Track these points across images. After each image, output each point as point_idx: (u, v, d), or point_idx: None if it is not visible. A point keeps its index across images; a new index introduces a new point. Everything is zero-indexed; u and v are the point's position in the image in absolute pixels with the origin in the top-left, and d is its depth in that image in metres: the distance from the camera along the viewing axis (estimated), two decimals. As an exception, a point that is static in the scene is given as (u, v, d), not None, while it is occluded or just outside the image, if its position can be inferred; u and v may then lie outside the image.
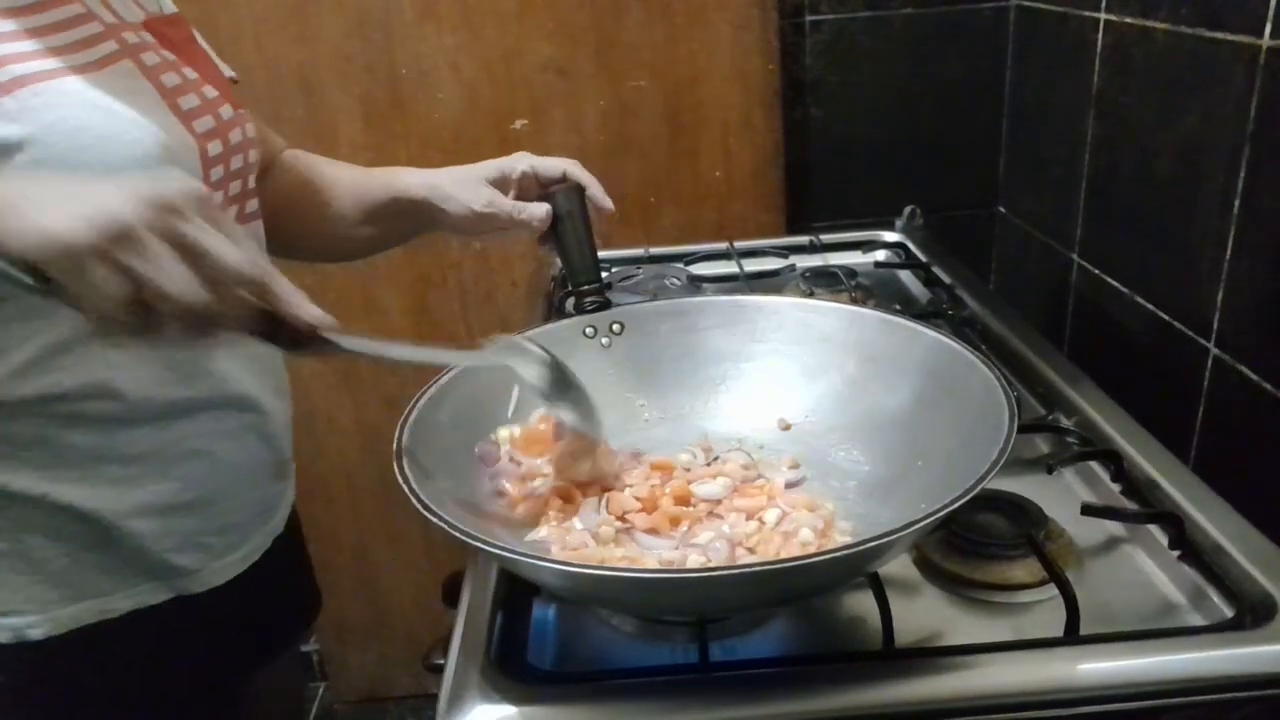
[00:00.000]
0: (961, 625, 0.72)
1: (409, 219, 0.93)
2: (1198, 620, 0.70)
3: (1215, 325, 1.08)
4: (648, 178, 1.63)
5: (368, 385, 1.72)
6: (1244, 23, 0.99)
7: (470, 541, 0.58)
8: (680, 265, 1.38)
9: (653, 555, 0.69)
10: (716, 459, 0.80)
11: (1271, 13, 0.95)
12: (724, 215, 1.65)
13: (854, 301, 1.18)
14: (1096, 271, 1.35)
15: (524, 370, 0.74)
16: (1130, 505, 0.81)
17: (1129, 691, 0.62)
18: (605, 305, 0.89)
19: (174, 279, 0.51)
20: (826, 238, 1.46)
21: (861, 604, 0.71)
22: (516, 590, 0.73)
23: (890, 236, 1.45)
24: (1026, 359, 1.05)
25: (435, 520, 0.59)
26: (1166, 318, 1.18)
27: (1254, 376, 1.02)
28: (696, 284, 1.32)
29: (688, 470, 0.78)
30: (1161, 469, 0.82)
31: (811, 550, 0.66)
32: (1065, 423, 0.95)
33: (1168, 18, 1.12)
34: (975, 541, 0.76)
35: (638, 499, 0.73)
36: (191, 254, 0.52)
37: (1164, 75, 1.14)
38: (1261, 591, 0.68)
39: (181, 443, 0.75)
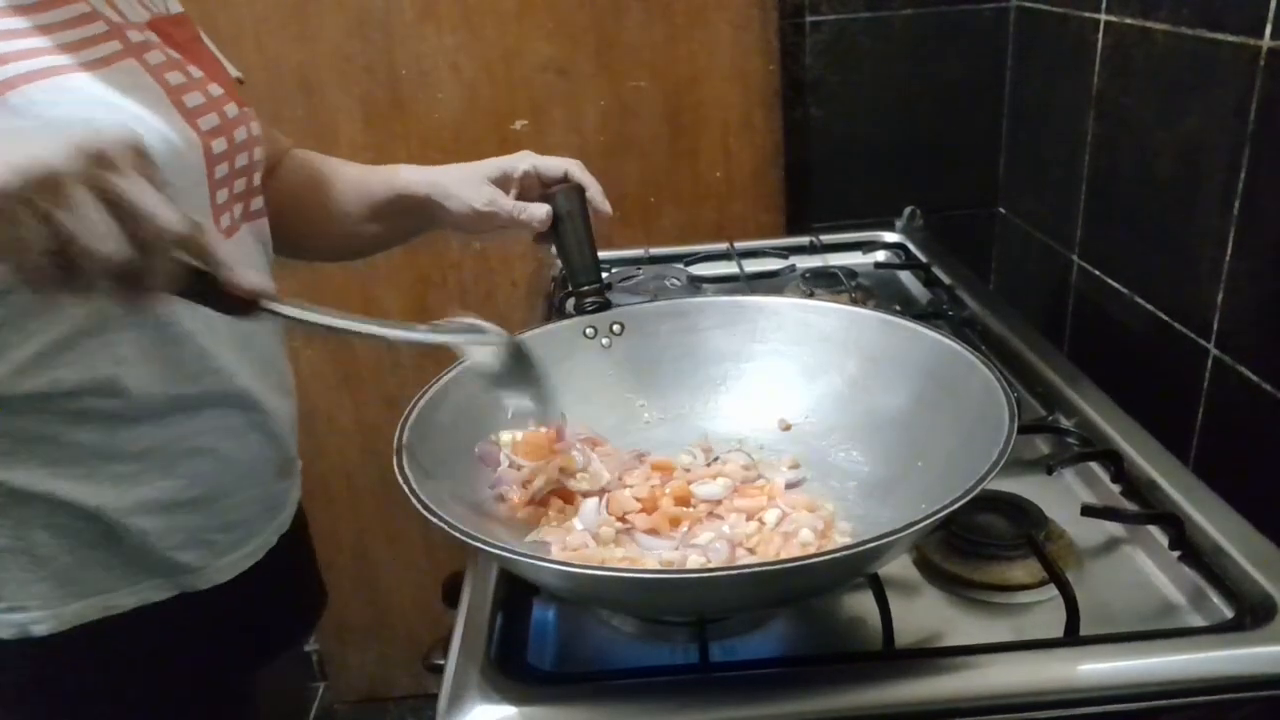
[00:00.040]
0: (961, 626, 0.72)
1: (411, 217, 0.93)
2: (1198, 621, 0.70)
3: (1215, 325, 1.08)
4: (648, 178, 1.63)
5: (368, 385, 1.72)
6: (1244, 23, 0.99)
7: (470, 541, 0.58)
8: (680, 266, 1.38)
9: (653, 556, 0.69)
10: (716, 459, 0.80)
11: (1271, 13, 0.95)
12: (724, 215, 1.65)
13: (854, 302, 1.18)
14: (1096, 272, 1.35)
15: (472, 352, 0.72)
16: (1130, 506, 0.81)
17: (1129, 692, 0.62)
18: (605, 306, 0.89)
19: (97, 233, 0.50)
20: (826, 238, 1.46)
21: (861, 604, 0.71)
22: (516, 590, 0.73)
23: (890, 237, 1.45)
24: (1026, 359, 1.05)
25: (435, 520, 0.59)
26: (1166, 318, 1.18)
27: (1254, 377, 1.02)
28: (696, 284, 1.32)
29: (688, 471, 0.78)
30: (1161, 469, 0.82)
31: (811, 551, 0.67)
32: (1065, 423, 0.95)
33: (1168, 18, 1.12)
34: (975, 542, 0.76)
35: (638, 499, 0.73)
36: (120, 209, 0.50)
37: (1164, 76, 1.14)
38: (1261, 592, 0.68)
39: (184, 440, 0.75)
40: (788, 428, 0.84)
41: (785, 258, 1.40)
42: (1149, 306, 1.22)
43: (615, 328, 0.89)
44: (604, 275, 0.96)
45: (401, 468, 0.65)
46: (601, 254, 0.90)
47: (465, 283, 1.69)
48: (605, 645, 0.72)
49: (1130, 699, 0.62)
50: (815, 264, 1.38)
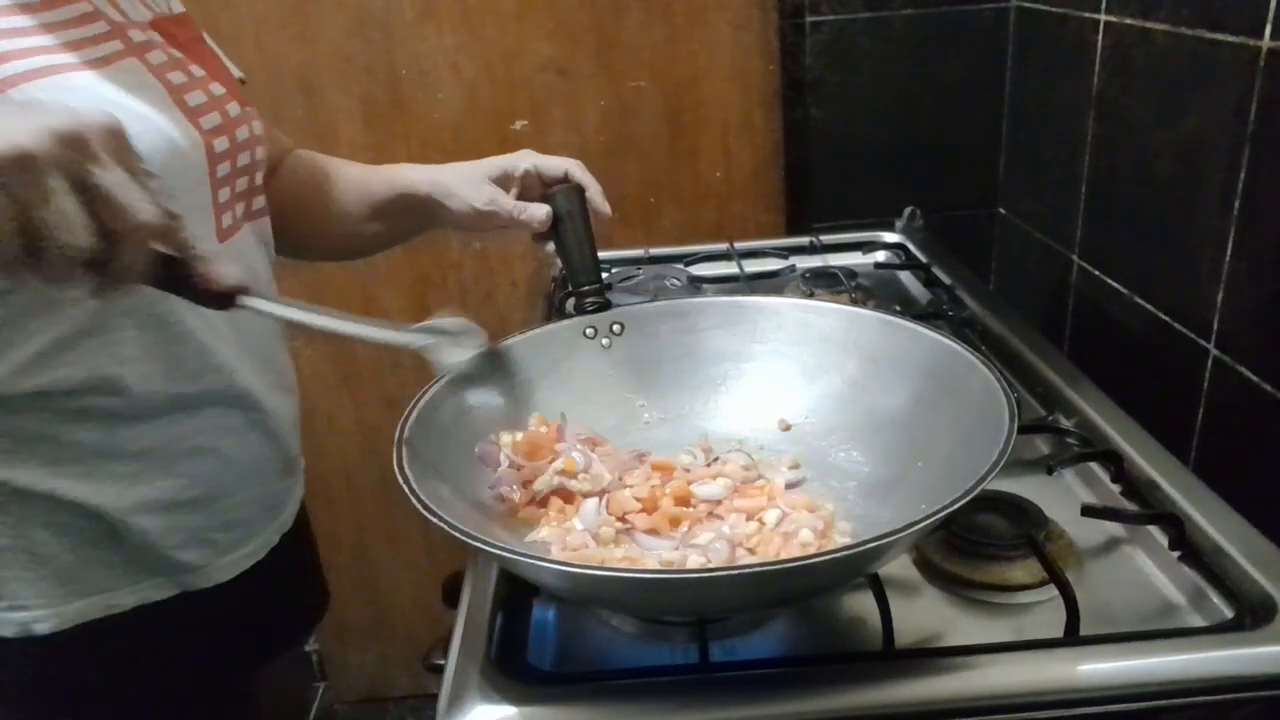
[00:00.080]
0: (961, 626, 0.72)
1: (413, 216, 0.94)
2: (1198, 621, 0.70)
3: (1215, 325, 1.08)
4: (648, 178, 1.63)
5: (368, 385, 1.72)
6: (1244, 23, 0.99)
7: (470, 541, 0.58)
8: (680, 266, 1.39)
9: (653, 556, 0.69)
10: (716, 459, 0.80)
11: (1271, 13, 0.95)
12: (724, 215, 1.65)
13: (854, 302, 1.18)
14: (1096, 272, 1.35)
15: (443, 355, 0.72)
16: (1130, 506, 0.81)
17: (1129, 692, 0.62)
18: (605, 306, 0.89)
19: (68, 223, 0.49)
20: (826, 238, 1.46)
21: (861, 604, 0.71)
22: (516, 590, 0.73)
23: (890, 237, 1.45)
24: (1026, 359, 1.05)
25: (435, 520, 0.59)
26: (1166, 318, 1.18)
27: (1254, 377, 1.02)
28: (696, 284, 1.32)
29: (688, 471, 0.78)
30: (1161, 469, 0.82)
31: (811, 551, 0.66)
32: (1065, 423, 0.95)
33: (1168, 19, 1.12)
34: (975, 542, 0.76)
35: (638, 499, 0.73)
36: (95, 198, 0.50)
37: (1164, 76, 1.14)
38: (1261, 592, 0.68)
39: (185, 439, 0.75)
40: (788, 428, 0.84)
41: (785, 258, 1.40)
42: (1149, 306, 1.22)
43: (615, 328, 0.89)
44: (604, 275, 0.96)
45: (401, 467, 0.65)
46: (601, 254, 0.90)
47: (465, 283, 1.69)
48: (605, 645, 0.73)
49: (1130, 699, 0.62)
50: (815, 264, 1.38)
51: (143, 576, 0.76)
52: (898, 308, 1.21)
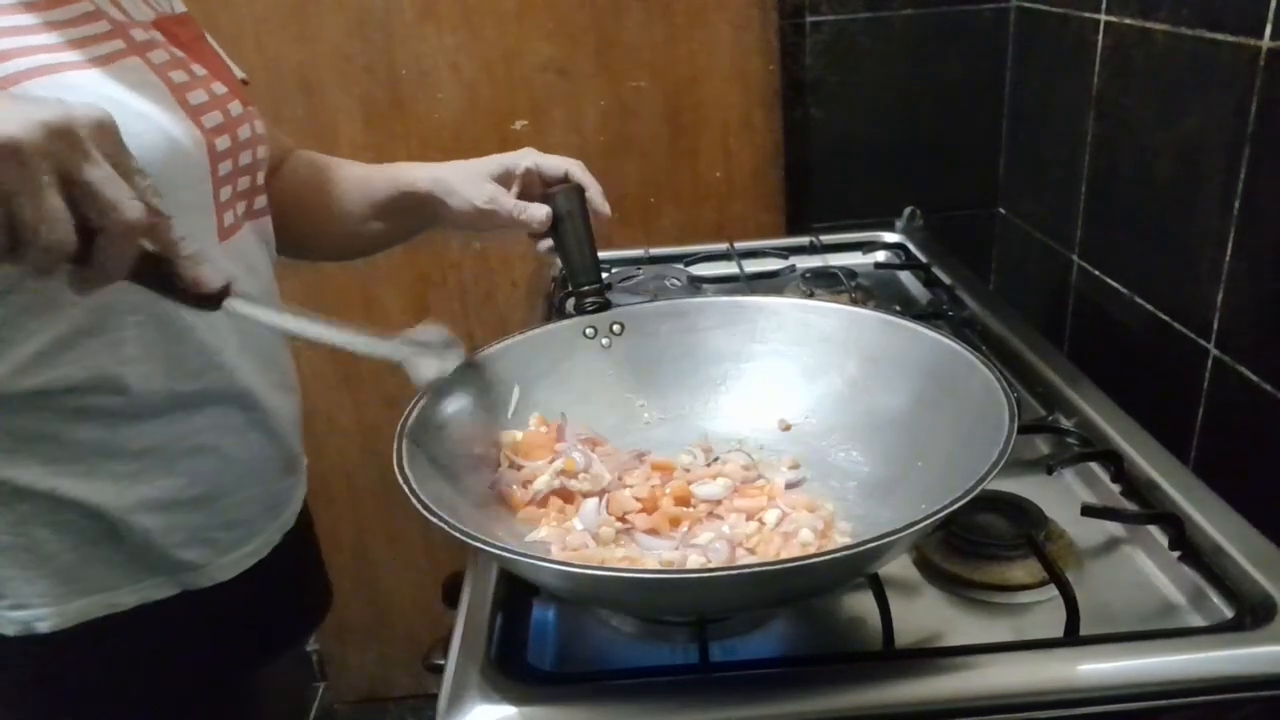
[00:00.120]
0: (961, 625, 0.72)
1: (414, 214, 0.94)
2: (1198, 621, 0.70)
3: (1215, 325, 1.08)
4: (648, 178, 1.63)
5: (368, 385, 1.72)
6: (1244, 23, 0.99)
7: (470, 541, 0.58)
8: (680, 266, 1.38)
9: (653, 556, 0.69)
10: (716, 459, 0.80)
11: (1271, 13, 0.95)
12: (724, 215, 1.65)
13: (854, 302, 1.18)
14: (1096, 272, 1.35)
15: (421, 368, 0.72)
16: (1130, 506, 0.81)
17: (1129, 692, 0.62)
18: (605, 306, 0.89)
19: (50, 218, 0.49)
20: (826, 238, 1.46)
21: (861, 604, 0.71)
22: (516, 590, 0.73)
23: (890, 237, 1.45)
24: (1026, 359, 1.05)
25: (435, 520, 0.59)
26: (1166, 318, 1.18)
27: (1254, 377, 1.02)
28: (696, 284, 1.32)
29: (688, 471, 0.78)
30: (1161, 469, 0.82)
31: (811, 551, 0.66)
32: (1065, 423, 0.95)
33: (1168, 19, 1.12)
34: (975, 542, 0.76)
35: (638, 499, 0.73)
36: (81, 193, 0.50)
37: (1164, 76, 1.14)
38: (1261, 592, 0.68)
39: (186, 438, 0.75)
40: (788, 428, 0.84)
41: (785, 258, 1.40)
42: (1149, 306, 1.22)
43: (615, 328, 0.89)
44: (604, 275, 0.96)
45: (401, 467, 0.65)
46: (601, 254, 0.90)
47: (465, 283, 1.69)
48: (605, 645, 0.73)
49: (1130, 699, 0.62)
50: (815, 264, 1.38)
51: (144, 575, 0.76)
52: (898, 308, 1.21)
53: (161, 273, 0.56)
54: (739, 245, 1.41)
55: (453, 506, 0.64)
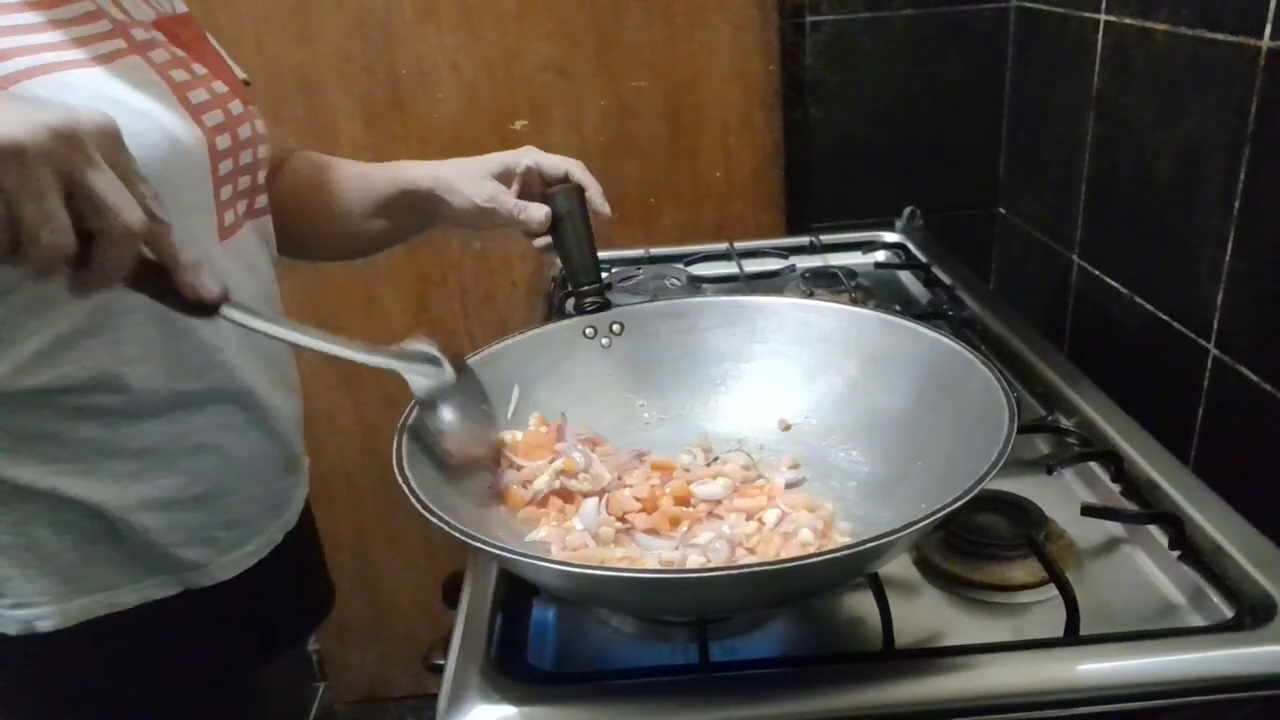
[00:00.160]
0: (961, 625, 0.72)
1: (415, 211, 0.94)
2: (1198, 620, 0.70)
3: (1215, 325, 1.08)
4: (648, 178, 1.63)
5: (368, 385, 1.72)
6: (1244, 23, 0.99)
7: (470, 541, 0.58)
8: (680, 265, 1.38)
9: (653, 555, 0.69)
10: (716, 459, 0.80)
11: (1271, 13, 0.95)
12: (724, 215, 1.65)
13: (854, 302, 1.18)
14: (1096, 271, 1.35)
15: (411, 379, 0.73)
16: (1130, 506, 0.81)
17: (1129, 692, 0.62)
18: (605, 306, 0.89)
19: (50, 222, 0.49)
20: (826, 238, 1.46)
21: (861, 604, 0.71)
22: (516, 590, 0.73)
23: (890, 237, 1.45)
24: (1026, 359, 1.05)
25: (435, 520, 0.59)
26: (1166, 318, 1.18)
27: (1254, 376, 1.02)
28: (696, 284, 1.32)
29: (688, 471, 0.78)
30: (1161, 469, 0.82)
31: (811, 551, 0.66)
32: (1065, 423, 0.95)
33: (1168, 18, 1.12)
34: (975, 542, 0.76)
35: (638, 499, 0.73)
36: (82, 198, 0.50)
37: (1164, 76, 1.14)
38: (1261, 591, 0.68)
39: (187, 437, 0.75)
40: (788, 428, 0.84)
41: (785, 258, 1.40)
42: (1149, 306, 1.22)
43: (615, 328, 0.89)
44: (604, 275, 0.96)
45: (401, 467, 0.65)
46: (601, 254, 0.90)
47: (465, 282, 1.69)
48: (605, 645, 0.72)
49: (1130, 699, 0.62)
50: (815, 264, 1.38)
51: (145, 574, 0.76)
52: (898, 307, 1.21)
53: (159, 279, 0.56)
54: (739, 245, 1.41)
55: (453, 506, 0.64)
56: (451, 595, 0.76)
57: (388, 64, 1.55)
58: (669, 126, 1.61)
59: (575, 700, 0.63)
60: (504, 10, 1.52)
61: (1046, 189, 1.52)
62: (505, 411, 0.81)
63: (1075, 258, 1.41)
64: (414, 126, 1.58)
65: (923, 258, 1.36)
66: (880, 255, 1.43)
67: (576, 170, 0.90)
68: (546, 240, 0.90)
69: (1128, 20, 1.21)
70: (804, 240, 1.46)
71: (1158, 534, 0.77)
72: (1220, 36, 1.03)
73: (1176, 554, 0.75)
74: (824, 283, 1.27)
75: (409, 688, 1.97)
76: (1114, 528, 0.81)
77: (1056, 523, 0.80)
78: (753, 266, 1.36)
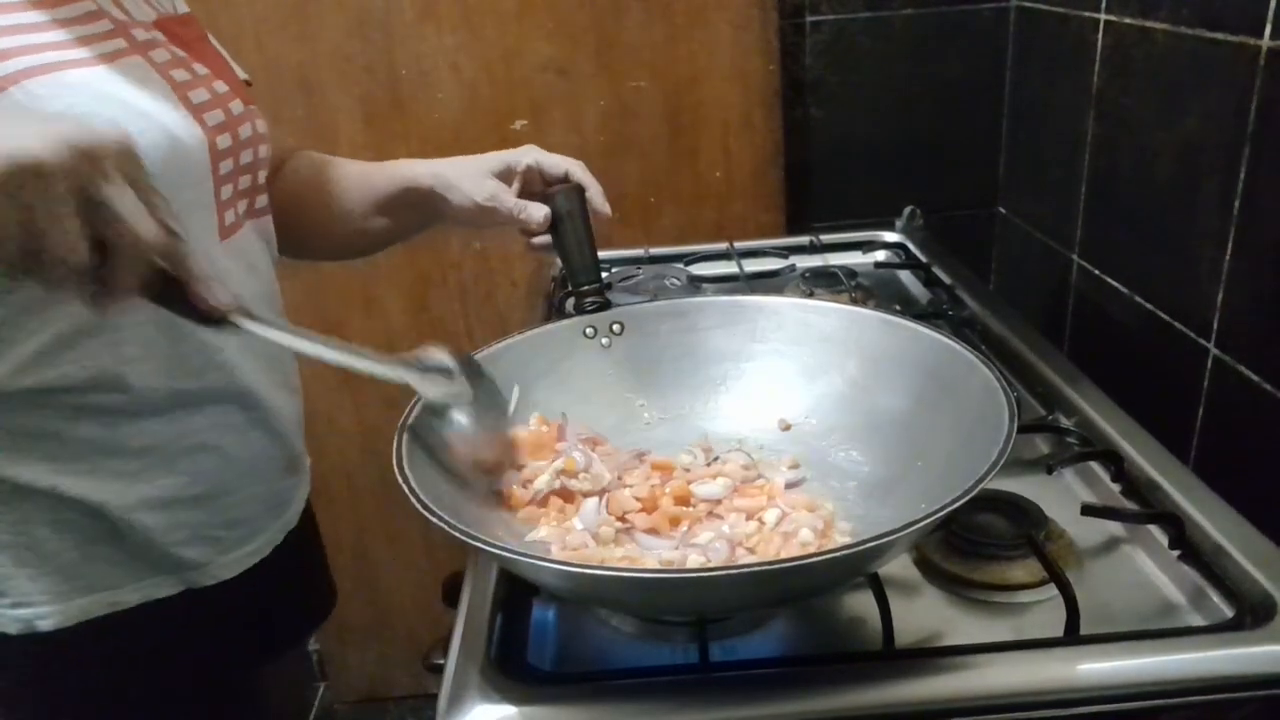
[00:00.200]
0: (961, 625, 0.72)
1: (416, 209, 0.94)
2: (1198, 620, 0.70)
3: (1215, 325, 1.08)
4: (648, 178, 1.63)
5: (368, 386, 1.70)
6: (1244, 23, 0.99)
7: (470, 541, 0.58)
8: (680, 265, 1.39)
9: (653, 555, 0.69)
10: (716, 459, 0.80)
11: (1271, 13, 0.95)
12: (724, 215, 1.65)
13: (854, 302, 1.18)
14: (1096, 271, 1.35)
15: (424, 389, 0.73)
16: (1130, 505, 0.81)
17: (1129, 691, 0.62)
18: (605, 305, 0.89)
19: (68, 238, 0.49)
20: (826, 238, 1.46)
21: (861, 604, 0.71)
22: (516, 590, 0.73)
23: (890, 237, 1.45)
24: (1026, 359, 1.05)
25: (435, 520, 0.59)
26: (1166, 318, 1.18)
27: (1254, 376, 1.02)
28: (696, 284, 1.32)
29: (687, 471, 0.78)
30: (1161, 469, 0.82)
31: (811, 550, 0.66)
32: (1065, 423, 0.95)
33: (1168, 18, 1.12)
34: (975, 542, 0.76)
35: (638, 499, 0.73)
36: (99, 213, 0.50)
37: (1164, 75, 1.14)
38: (1261, 591, 0.68)
39: (187, 436, 0.76)
40: (788, 428, 0.84)
41: (785, 257, 1.40)
42: (1149, 306, 1.22)
43: (615, 327, 0.89)
44: (604, 275, 0.96)
45: (401, 467, 0.65)
46: (601, 254, 0.90)
47: (465, 282, 1.69)
48: (605, 645, 0.72)
49: (1130, 699, 0.62)
50: (815, 264, 1.38)
51: (146, 574, 0.76)
52: (898, 307, 1.21)
53: (173, 290, 0.57)
54: (739, 245, 1.41)
55: (453, 506, 0.64)
56: (451, 595, 0.76)
57: (388, 64, 1.55)
58: (669, 126, 1.61)
59: (575, 700, 0.63)
60: (504, 10, 1.52)
61: (1046, 189, 1.52)
62: (506, 411, 0.81)
63: (1075, 257, 1.41)
64: (414, 126, 1.58)
65: (923, 257, 1.36)
66: (880, 255, 1.43)
67: (577, 170, 0.90)
68: (544, 239, 0.90)
69: (1128, 20, 1.21)
70: (804, 240, 1.46)
71: (1158, 534, 0.77)
72: (1220, 36, 1.03)
73: (1176, 554, 0.75)
74: (824, 282, 1.27)
75: (409, 688, 1.97)
76: (1114, 527, 0.81)
77: (1056, 522, 0.80)
78: (753, 266, 1.36)
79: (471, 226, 0.93)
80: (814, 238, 1.46)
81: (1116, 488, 0.84)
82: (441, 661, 0.67)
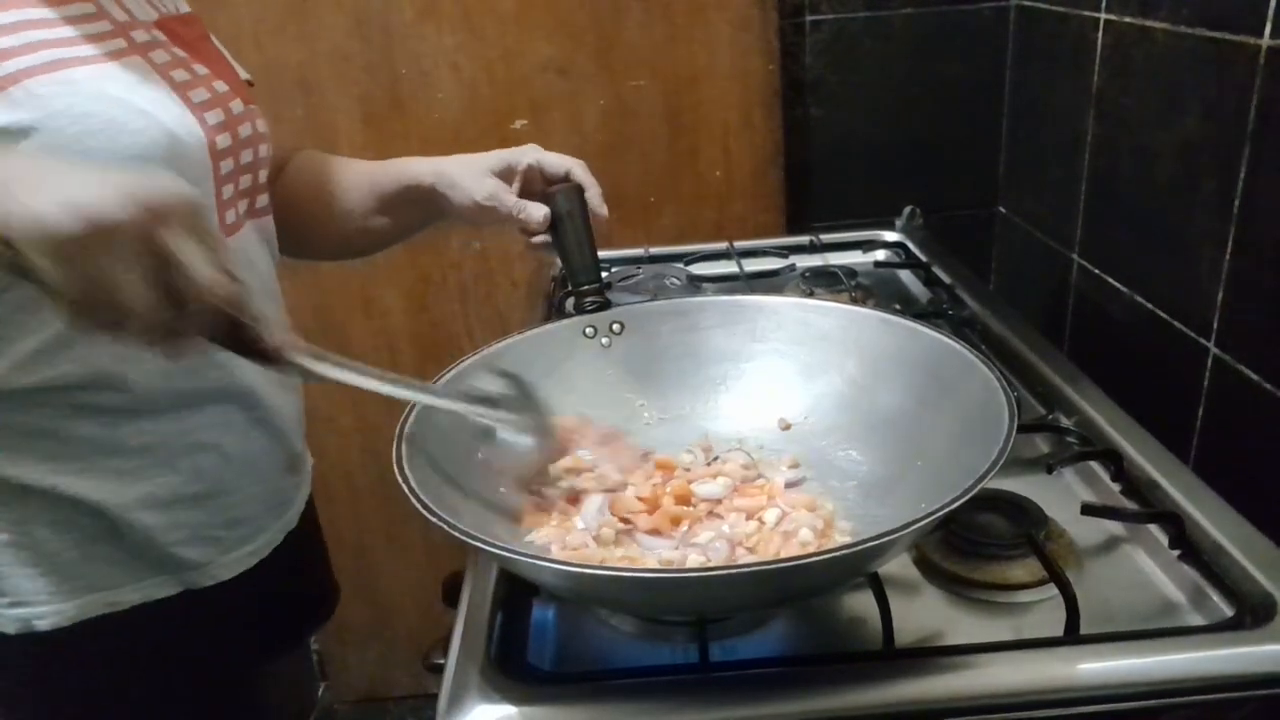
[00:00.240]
0: (961, 625, 0.72)
1: (417, 207, 0.93)
2: (1198, 620, 0.70)
3: (1215, 325, 1.08)
4: (648, 178, 1.63)
5: (368, 385, 1.72)
6: (1244, 23, 0.99)
7: (470, 541, 0.58)
8: (680, 265, 1.38)
9: (653, 555, 0.69)
10: (716, 459, 0.80)
11: (1271, 13, 0.95)
12: (724, 215, 1.65)
13: (854, 301, 1.18)
14: (1096, 271, 1.35)
15: (489, 422, 0.74)
16: (1130, 505, 0.81)
17: (1129, 691, 0.62)
18: (605, 305, 0.89)
19: (135, 290, 0.50)
20: (826, 238, 1.46)
21: (861, 604, 0.71)
22: (516, 590, 0.73)
23: (890, 236, 1.45)
24: (1026, 359, 1.05)
25: (435, 520, 0.59)
26: (1166, 318, 1.18)
27: (1254, 376, 1.02)
28: (696, 284, 1.32)
29: (688, 470, 0.78)
30: (1161, 469, 0.82)
31: (811, 550, 0.66)
32: (1065, 423, 0.94)
33: (1168, 18, 1.12)
34: (975, 541, 0.76)
35: (641, 499, 0.73)
36: (166, 266, 0.51)
37: (1164, 75, 1.14)
38: (1261, 591, 0.68)
39: (186, 435, 0.76)
40: (788, 427, 0.84)
41: (785, 257, 1.40)
42: (1149, 306, 1.22)
43: (615, 327, 0.89)
44: (604, 275, 0.96)
45: (401, 467, 0.65)
46: (601, 254, 0.90)
47: (465, 282, 1.69)
48: (605, 645, 0.72)
49: (1130, 698, 0.62)
50: (815, 263, 1.38)
51: (145, 574, 0.76)
52: (898, 307, 1.21)
53: (237, 333, 0.57)
54: (739, 244, 1.41)
55: (453, 506, 0.64)
56: (451, 595, 0.76)
57: (387, 64, 1.54)
58: (669, 126, 1.61)
59: (575, 700, 0.63)
60: (504, 10, 1.52)
61: (1046, 188, 1.52)
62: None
63: (1075, 257, 1.41)
64: (413, 126, 1.58)
65: (923, 257, 1.36)
66: (880, 254, 1.43)
67: (578, 169, 0.90)
68: (544, 239, 0.90)
69: (1128, 19, 1.21)
70: (804, 240, 1.46)
71: (1158, 533, 0.77)
72: (1220, 36, 1.03)
73: (1176, 553, 0.75)
74: (824, 282, 1.27)
75: (409, 688, 1.97)
76: (1114, 527, 0.81)
77: (1056, 522, 0.80)
78: (753, 266, 1.36)
79: (471, 225, 0.93)
80: (814, 237, 1.46)
81: (1116, 487, 0.84)
82: (441, 661, 0.67)
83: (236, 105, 0.78)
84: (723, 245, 1.42)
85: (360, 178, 0.95)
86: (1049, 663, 0.64)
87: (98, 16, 0.70)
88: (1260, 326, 1.01)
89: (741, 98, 1.59)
